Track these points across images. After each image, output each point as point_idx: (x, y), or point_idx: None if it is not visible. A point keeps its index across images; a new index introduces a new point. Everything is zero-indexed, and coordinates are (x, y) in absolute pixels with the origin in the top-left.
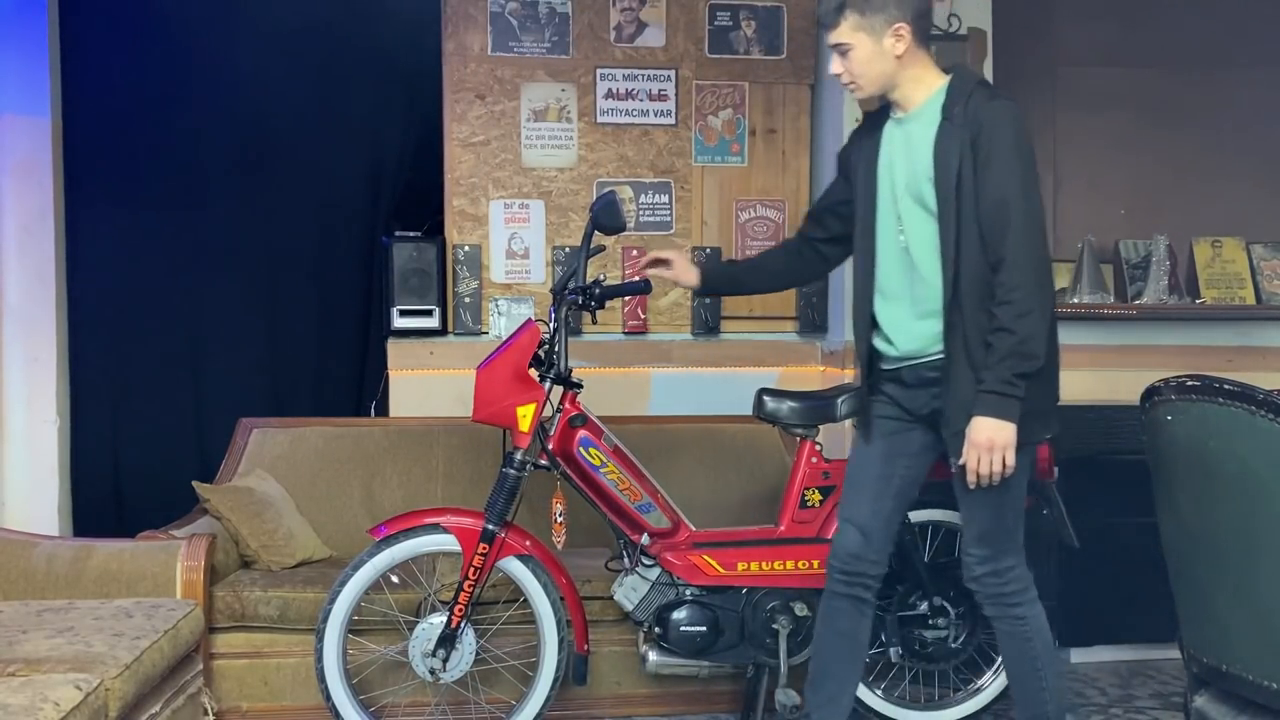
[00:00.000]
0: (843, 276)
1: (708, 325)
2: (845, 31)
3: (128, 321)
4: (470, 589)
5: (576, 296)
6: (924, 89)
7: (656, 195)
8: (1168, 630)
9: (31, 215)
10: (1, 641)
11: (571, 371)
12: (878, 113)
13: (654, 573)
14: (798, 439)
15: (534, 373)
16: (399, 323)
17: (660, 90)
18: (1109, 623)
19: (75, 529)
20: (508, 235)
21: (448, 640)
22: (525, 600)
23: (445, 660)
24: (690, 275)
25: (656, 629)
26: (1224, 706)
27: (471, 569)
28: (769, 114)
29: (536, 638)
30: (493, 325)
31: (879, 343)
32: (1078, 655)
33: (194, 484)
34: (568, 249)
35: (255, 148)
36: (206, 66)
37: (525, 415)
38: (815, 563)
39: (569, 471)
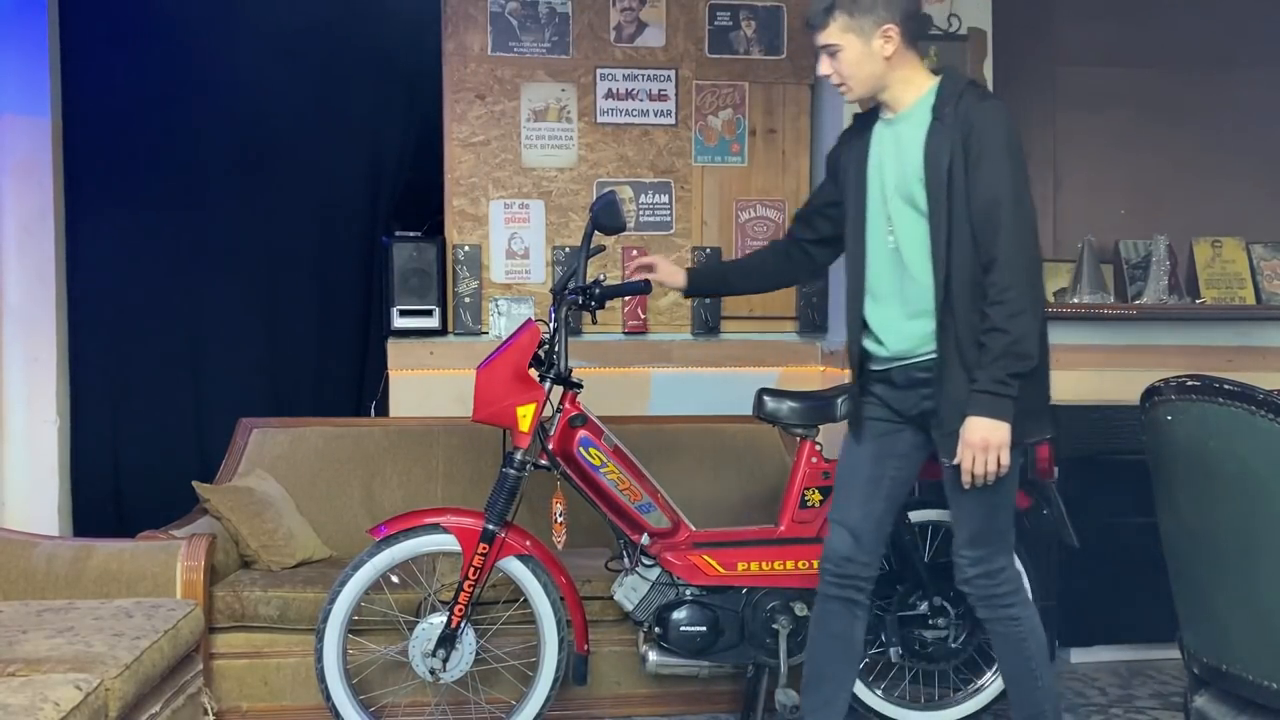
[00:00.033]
0: (843, 277)
1: (708, 325)
2: (834, 33)
3: (128, 321)
4: (470, 589)
5: (576, 296)
6: (914, 90)
7: (656, 195)
8: (1168, 630)
9: (31, 215)
10: (1, 641)
11: (571, 371)
12: (867, 114)
13: (654, 573)
14: (798, 439)
15: (534, 373)
16: (399, 323)
17: (660, 90)
18: (1109, 623)
19: (75, 529)
20: (508, 235)
21: (448, 640)
22: (525, 600)
23: (445, 660)
24: (676, 277)
25: (656, 629)
26: (1224, 706)
27: (471, 569)
28: (769, 114)
29: (536, 638)
30: (493, 325)
31: (869, 343)
32: (1078, 655)
33: (194, 484)
34: (568, 249)
35: (255, 148)
36: (206, 66)
37: (525, 415)
38: (815, 563)
39: (569, 471)
